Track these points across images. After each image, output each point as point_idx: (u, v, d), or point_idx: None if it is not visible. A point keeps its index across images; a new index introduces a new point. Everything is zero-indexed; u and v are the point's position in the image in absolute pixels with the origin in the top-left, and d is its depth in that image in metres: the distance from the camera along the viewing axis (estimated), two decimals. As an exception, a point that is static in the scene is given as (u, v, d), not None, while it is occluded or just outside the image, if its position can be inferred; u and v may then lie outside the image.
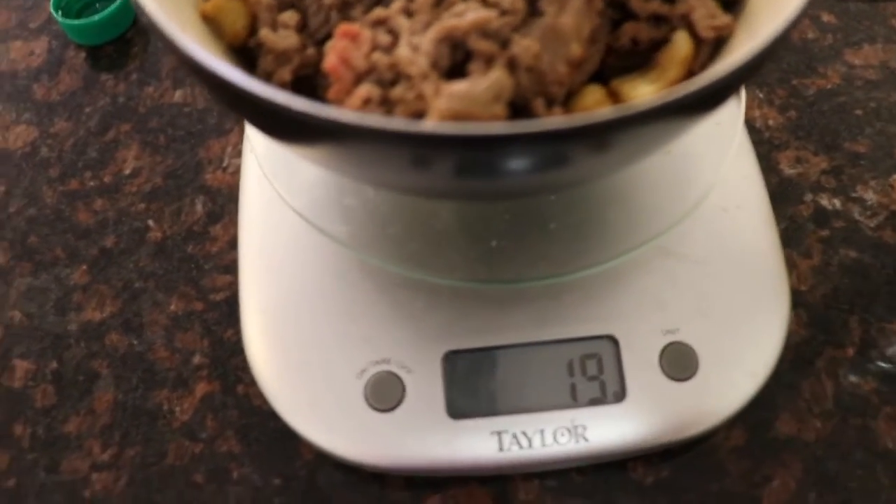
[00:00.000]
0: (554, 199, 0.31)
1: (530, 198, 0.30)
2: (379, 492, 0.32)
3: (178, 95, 0.43)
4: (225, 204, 0.39)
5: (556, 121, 0.19)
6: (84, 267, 0.38)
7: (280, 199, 0.32)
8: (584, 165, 0.22)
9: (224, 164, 0.40)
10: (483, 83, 0.23)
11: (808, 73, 0.43)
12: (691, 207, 0.31)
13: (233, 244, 0.38)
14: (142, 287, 0.37)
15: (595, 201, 0.31)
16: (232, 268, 0.37)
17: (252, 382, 0.34)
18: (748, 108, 0.41)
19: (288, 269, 0.33)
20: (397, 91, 0.23)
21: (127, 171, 0.41)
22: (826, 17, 0.45)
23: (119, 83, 0.44)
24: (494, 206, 0.30)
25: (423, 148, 0.20)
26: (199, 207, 0.39)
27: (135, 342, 0.36)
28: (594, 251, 0.30)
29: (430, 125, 0.21)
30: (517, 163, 0.21)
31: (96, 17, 0.44)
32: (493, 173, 0.21)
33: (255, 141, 0.33)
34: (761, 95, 0.42)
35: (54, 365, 0.36)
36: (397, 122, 0.21)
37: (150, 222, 0.39)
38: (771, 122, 0.41)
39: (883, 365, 0.34)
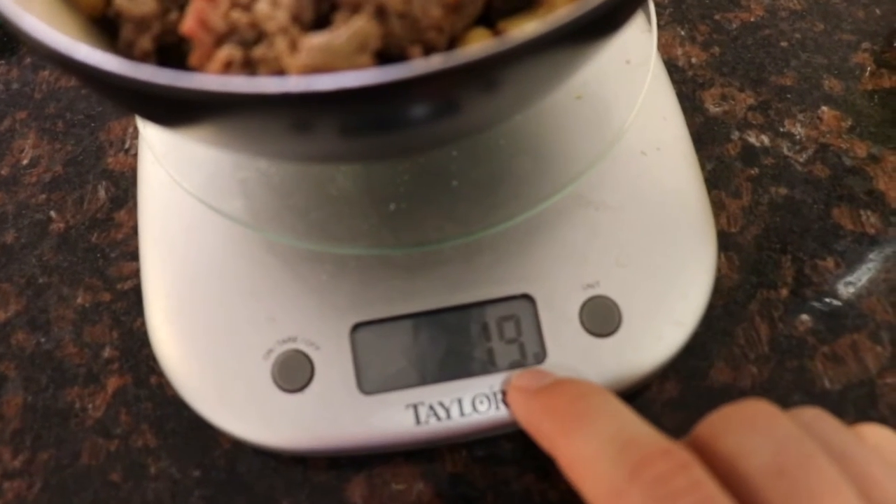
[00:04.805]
0: (456, 154, 0.29)
1: (427, 151, 0.28)
2: (301, 475, 0.31)
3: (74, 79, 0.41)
4: (129, 188, 0.37)
5: (424, 63, 0.16)
6: (-16, 265, 0.36)
7: (175, 183, 0.31)
8: (471, 110, 0.20)
9: (126, 146, 0.38)
10: (344, 33, 0.21)
11: (730, 6, 0.41)
12: (604, 150, 0.29)
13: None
14: (46, 282, 0.35)
15: (500, 153, 0.29)
16: (138, 254, 0.35)
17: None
18: (669, 47, 0.40)
19: (189, 252, 0.31)
20: (259, 51, 0.22)
21: (25, 162, 0.38)
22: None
23: (12, 68, 0.42)
24: (393, 167, 0.29)
25: (274, 107, 0.18)
26: (101, 194, 0.37)
27: (42, 340, 0.34)
28: (502, 207, 0.28)
29: (271, 84, 0.19)
30: (368, 112, 0.19)
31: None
32: (352, 124, 0.19)
33: (141, 123, 0.31)
34: (683, 33, 0.40)
35: (-42, 371, 0.34)
36: (242, 83, 0.19)
37: (52, 213, 0.37)
38: (694, 60, 0.39)
39: (817, 304, 0.33)
